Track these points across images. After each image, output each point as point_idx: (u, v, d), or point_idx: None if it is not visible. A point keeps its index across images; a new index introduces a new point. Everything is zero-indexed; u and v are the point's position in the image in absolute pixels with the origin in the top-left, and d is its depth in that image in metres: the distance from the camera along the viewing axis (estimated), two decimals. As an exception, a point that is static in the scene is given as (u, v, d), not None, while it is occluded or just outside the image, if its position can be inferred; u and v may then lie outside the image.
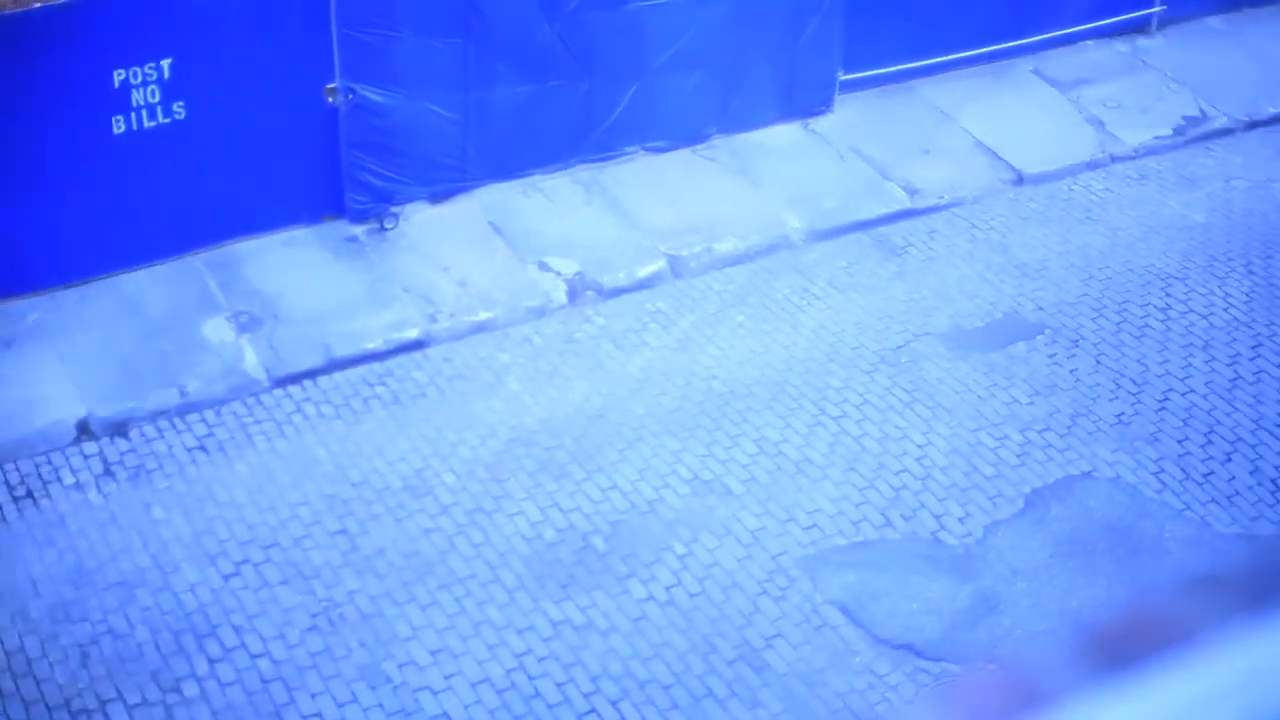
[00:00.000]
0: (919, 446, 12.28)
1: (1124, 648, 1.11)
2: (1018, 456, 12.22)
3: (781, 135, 15.81)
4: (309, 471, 11.80)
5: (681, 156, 15.36)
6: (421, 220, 14.27)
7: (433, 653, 10.41)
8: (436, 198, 14.43)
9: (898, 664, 10.49)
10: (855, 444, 12.28)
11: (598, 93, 14.87)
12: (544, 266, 13.86)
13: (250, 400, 12.44)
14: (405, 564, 11.08)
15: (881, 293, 13.94)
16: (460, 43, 14.01)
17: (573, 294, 13.65)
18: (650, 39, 14.89)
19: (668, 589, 10.97)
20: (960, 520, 11.63)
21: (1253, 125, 16.56)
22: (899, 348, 13.28)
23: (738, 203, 14.81)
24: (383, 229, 14.12)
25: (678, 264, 14.07)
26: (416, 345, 13.03)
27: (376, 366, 12.82)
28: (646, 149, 15.28)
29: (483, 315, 13.31)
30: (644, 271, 13.95)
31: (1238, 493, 11.99)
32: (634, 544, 11.30)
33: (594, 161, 15.06)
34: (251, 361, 12.68)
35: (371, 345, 12.93)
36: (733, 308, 13.69)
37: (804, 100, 15.98)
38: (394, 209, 14.17)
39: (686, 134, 15.45)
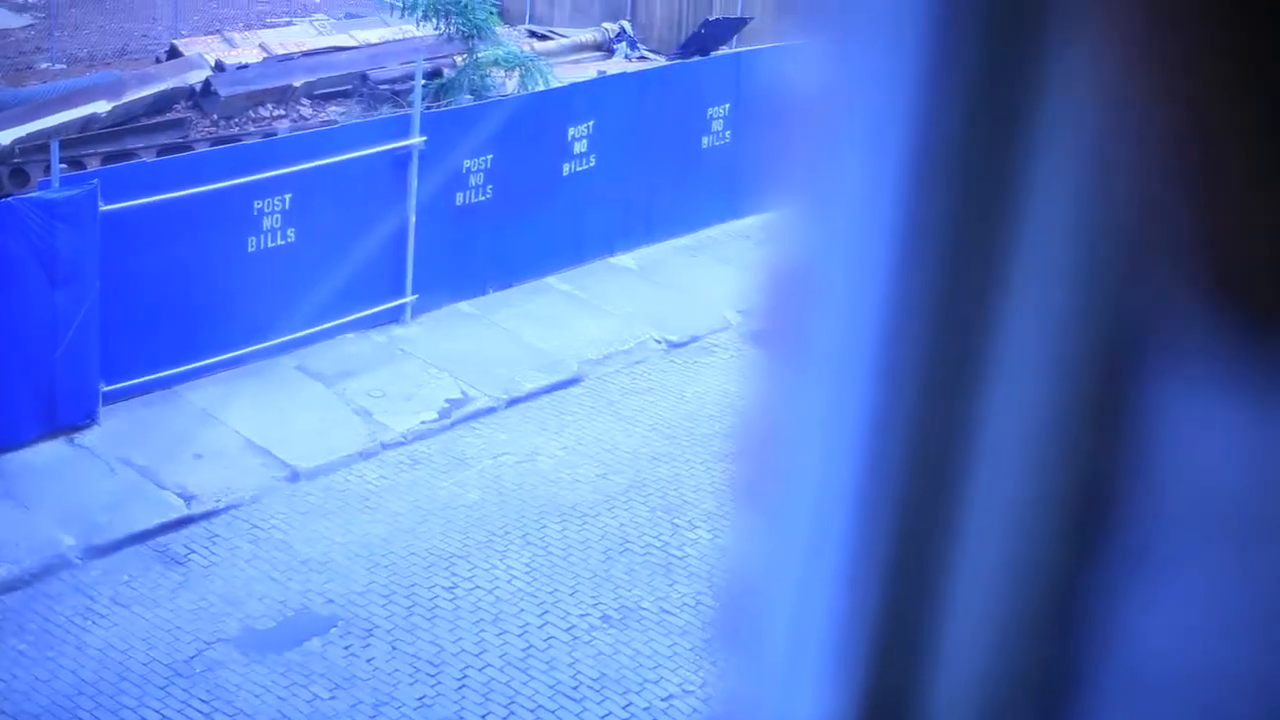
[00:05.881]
0: (223, 757, 11.97)
1: None
2: (326, 754, 12.08)
3: (47, 452, 15.33)
4: None
5: (-62, 484, 14.66)
6: None
7: None
8: None
9: None
10: (157, 763, 11.86)
11: None
12: None
13: None
14: None
15: (168, 604, 13.60)
16: None
17: None
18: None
19: None
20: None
21: (513, 402, 17.17)
22: (192, 658, 12.97)
23: (6, 527, 14.21)
24: None
25: (-53, 597, 13.33)
26: None
27: None
28: (-98, 479, 14.50)
29: None
30: (-90, 609, 13.15)
31: (544, 765, 12.21)
32: None
33: None
34: None
35: None
36: (12, 637, 13.05)
37: (67, 414, 15.57)
38: None
39: (-57, 460, 14.78)
